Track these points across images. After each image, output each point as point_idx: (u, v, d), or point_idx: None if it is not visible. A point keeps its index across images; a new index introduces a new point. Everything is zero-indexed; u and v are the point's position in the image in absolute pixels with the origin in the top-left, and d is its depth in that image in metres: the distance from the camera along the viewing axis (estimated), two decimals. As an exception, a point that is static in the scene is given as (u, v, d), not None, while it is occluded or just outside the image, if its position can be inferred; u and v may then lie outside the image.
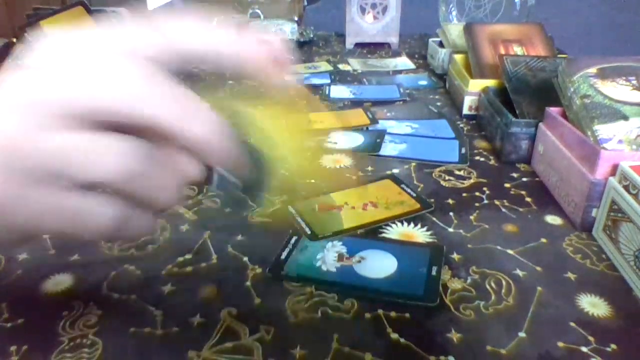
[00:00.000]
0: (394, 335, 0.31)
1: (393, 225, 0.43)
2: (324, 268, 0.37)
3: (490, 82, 0.65)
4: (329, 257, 0.38)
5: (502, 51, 0.71)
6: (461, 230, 0.42)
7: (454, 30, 0.89)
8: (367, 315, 0.33)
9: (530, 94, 0.58)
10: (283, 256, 0.38)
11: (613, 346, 0.30)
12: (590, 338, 0.31)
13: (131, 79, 0.22)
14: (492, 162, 0.55)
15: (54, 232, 0.21)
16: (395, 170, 0.53)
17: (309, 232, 0.41)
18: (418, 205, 0.45)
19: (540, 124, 0.51)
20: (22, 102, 0.20)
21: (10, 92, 0.20)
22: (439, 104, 0.74)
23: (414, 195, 0.46)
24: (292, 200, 0.47)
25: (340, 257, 0.38)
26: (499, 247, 0.40)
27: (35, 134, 0.20)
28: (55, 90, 0.20)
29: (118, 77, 0.21)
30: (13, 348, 0.30)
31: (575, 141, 0.44)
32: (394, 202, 0.44)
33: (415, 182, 0.50)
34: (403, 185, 0.48)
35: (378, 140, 0.59)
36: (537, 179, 0.51)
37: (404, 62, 0.99)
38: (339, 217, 0.43)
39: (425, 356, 0.30)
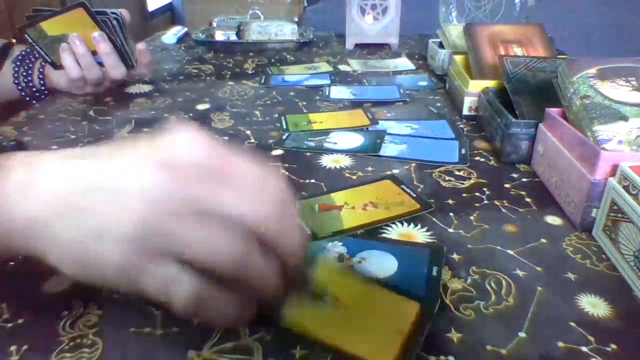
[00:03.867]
0: (394, 336, 0.31)
1: (393, 226, 0.43)
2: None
3: (490, 83, 0.65)
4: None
5: (502, 52, 0.71)
6: (461, 231, 0.42)
7: (454, 31, 0.89)
8: (367, 315, 0.33)
9: (530, 94, 0.58)
10: (283, 256, 0.38)
11: (613, 346, 0.30)
12: (590, 338, 0.31)
13: (267, 199, 0.26)
14: (492, 162, 0.55)
15: (151, 297, 0.26)
16: (395, 171, 0.53)
17: (308, 233, 0.41)
18: (418, 206, 0.45)
19: (540, 125, 0.51)
20: (170, 190, 0.25)
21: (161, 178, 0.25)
22: (439, 104, 0.75)
23: (414, 195, 0.46)
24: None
25: (340, 257, 0.38)
26: (499, 247, 0.40)
27: (169, 219, 0.25)
28: (200, 190, 0.25)
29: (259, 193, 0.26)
30: (13, 348, 0.30)
31: (575, 142, 0.44)
32: (394, 202, 0.44)
33: (415, 182, 0.50)
34: (403, 186, 0.48)
35: (378, 141, 0.59)
36: (537, 179, 0.51)
37: (404, 62, 0.99)
38: (339, 217, 0.43)
39: (425, 356, 0.30)
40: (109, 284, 0.27)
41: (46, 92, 0.78)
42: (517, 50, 0.72)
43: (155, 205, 0.25)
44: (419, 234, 0.42)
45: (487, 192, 0.49)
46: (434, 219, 0.44)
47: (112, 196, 0.26)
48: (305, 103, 0.75)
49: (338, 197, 0.46)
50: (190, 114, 0.70)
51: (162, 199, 0.25)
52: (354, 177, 0.51)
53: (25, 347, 0.30)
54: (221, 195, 0.25)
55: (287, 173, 0.52)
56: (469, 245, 0.40)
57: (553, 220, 0.44)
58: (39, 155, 0.29)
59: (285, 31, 1.13)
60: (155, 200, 0.25)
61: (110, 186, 0.26)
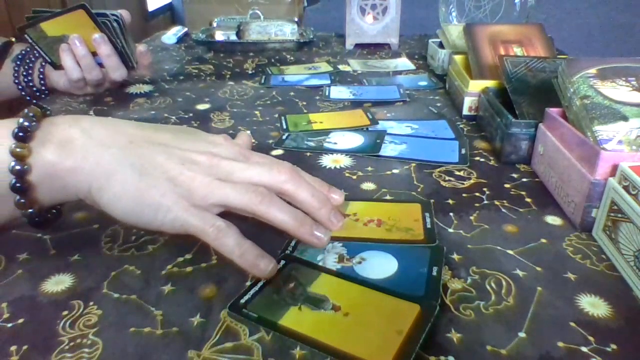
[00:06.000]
0: (394, 336, 0.31)
1: (393, 226, 0.42)
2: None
3: (490, 83, 0.65)
4: (329, 258, 0.38)
5: (502, 52, 0.71)
6: (461, 231, 0.42)
7: (454, 31, 0.89)
8: (367, 315, 0.33)
9: (530, 94, 0.58)
10: (283, 256, 0.38)
11: (613, 346, 0.30)
12: (590, 338, 0.31)
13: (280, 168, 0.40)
14: (492, 162, 0.55)
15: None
16: (395, 171, 0.53)
17: (292, 243, 0.41)
18: (422, 237, 0.41)
19: (540, 125, 0.51)
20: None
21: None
22: (439, 104, 0.75)
23: (429, 226, 0.42)
24: None
25: (340, 258, 0.38)
26: (499, 248, 0.40)
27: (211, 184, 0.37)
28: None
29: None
30: (13, 348, 0.30)
31: (575, 142, 0.44)
32: (402, 227, 0.42)
33: (415, 182, 0.50)
34: (427, 214, 0.44)
35: (378, 141, 0.59)
36: (537, 179, 0.51)
37: (404, 62, 0.99)
38: None
39: (425, 356, 0.30)
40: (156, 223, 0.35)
41: (46, 91, 0.78)
42: (517, 50, 0.72)
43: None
44: (419, 234, 0.41)
45: (487, 192, 0.49)
46: (434, 219, 0.44)
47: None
48: (305, 103, 0.75)
49: (352, 206, 0.45)
50: (190, 114, 0.70)
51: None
52: (354, 178, 0.51)
53: (25, 347, 0.30)
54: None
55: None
56: (469, 245, 0.40)
57: (553, 220, 0.44)
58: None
59: (285, 31, 1.13)
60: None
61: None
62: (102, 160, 0.35)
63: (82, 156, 0.35)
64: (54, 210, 0.39)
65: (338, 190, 0.44)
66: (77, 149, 0.35)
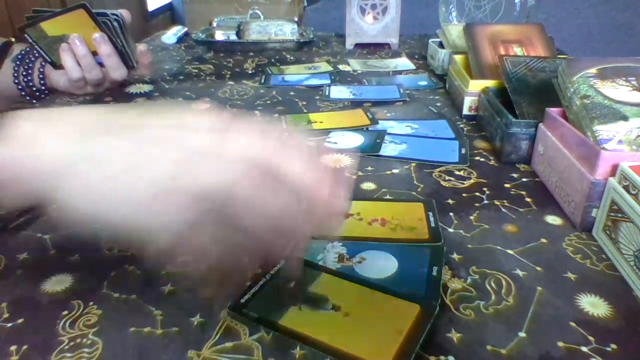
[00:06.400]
0: (394, 335, 0.31)
1: (393, 226, 0.42)
2: (324, 268, 0.37)
3: (490, 83, 0.65)
4: (329, 258, 0.38)
5: (502, 52, 0.71)
6: (461, 231, 0.42)
7: (454, 30, 0.89)
8: (367, 315, 0.33)
9: (530, 94, 0.58)
10: (283, 256, 0.38)
11: (613, 346, 0.30)
12: (590, 338, 0.31)
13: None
14: (492, 162, 0.55)
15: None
16: (395, 171, 0.53)
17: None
18: (427, 237, 0.41)
19: (540, 125, 0.51)
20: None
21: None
22: (439, 104, 0.74)
23: (432, 225, 0.42)
24: None
25: (340, 258, 0.38)
26: (499, 247, 0.40)
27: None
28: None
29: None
30: (13, 348, 0.30)
31: (575, 141, 0.44)
32: (406, 226, 0.42)
33: (415, 182, 0.50)
34: (430, 213, 0.44)
35: (378, 141, 0.59)
36: (537, 179, 0.51)
37: (404, 62, 0.99)
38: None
39: (425, 356, 0.30)
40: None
41: (46, 91, 0.78)
42: (517, 50, 0.72)
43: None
44: (419, 234, 0.41)
45: (487, 192, 0.49)
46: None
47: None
48: (305, 103, 0.75)
49: (354, 206, 0.45)
50: (190, 114, 0.70)
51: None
52: (354, 177, 0.51)
53: (25, 347, 0.30)
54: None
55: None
56: (469, 245, 0.40)
57: (553, 220, 0.44)
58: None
59: (285, 31, 1.13)
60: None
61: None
62: (56, 154, 0.31)
63: (33, 150, 0.31)
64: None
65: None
66: (28, 143, 0.31)
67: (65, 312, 0.33)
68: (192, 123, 0.32)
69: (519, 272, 0.37)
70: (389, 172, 0.53)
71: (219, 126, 0.32)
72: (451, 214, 0.45)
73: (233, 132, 0.31)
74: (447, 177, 0.52)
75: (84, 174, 0.30)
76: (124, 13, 0.75)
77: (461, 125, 0.65)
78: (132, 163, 0.31)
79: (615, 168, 0.39)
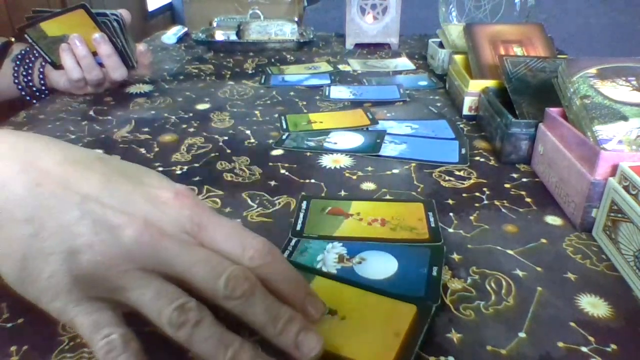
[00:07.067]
0: (394, 336, 0.31)
1: (393, 226, 0.42)
2: (324, 270, 0.37)
3: (490, 83, 0.65)
4: (329, 258, 0.38)
5: (502, 52, 0.71)
6: (461, 231, 0.42)
7: (454, 30, 0.89)
8: (367, 315, 0.33)
9: (530, 94, 0.58)
10: (283, 256, 0.38)
11: (613, 346, 0.30)
12: (590, 338, 0.31)
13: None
14: (492, 162, 0.55)
15: None
16: (395, 171, 0.53)
17: (298, 228, 0.41)
18: (427, 237, 0.41)
19: (540, 125, 0.51)
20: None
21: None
22: (439, 104, 0.74)
23: (433, 225, 0.42)
24: (309, 196, 0.47)
25: (340, 258, 0.38)
26: (499, 248, 0.40)
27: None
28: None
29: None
30: (13, 348, 0.30)
31: (575, 142, 0.44)
32: (406, 226, 0.42)
33: (415, 182, 0.50)
34: (430, 213, 0.44)
35: (378, 141, 0.59)
36: (537, 179, 0.51)
37: (404, 62, 0.99)
38: (339, 223, 0.43)
39: (425, 356, 0.30)
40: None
41: (46, 91, 0.78)
42: (517, 50, 0.72)
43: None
44: (419, 234, 0.41)
45: (487, 192, 0.49)
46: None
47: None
48: (305, 103, 0.75)
49: (354, 206, 0.45)
50: (190, 114, 0.70)
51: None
52: (354, 177, 0.51)
53: (25, 347, 0.30)
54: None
55: (287, 173, 0.52)
56: (469, 245, 0.40)
57: (553, 220, 0.44)
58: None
59: (285, 31, 1.13)
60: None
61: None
62: None
63: None
64: None
65: (319, 301, 0.31)
66: None
67: (65, 312, 0.33)
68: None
69: (519, 273, 0.37)
70: (389, 172, 0.53)
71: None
72: (451, 214, 0.45)
73: None
74: (447, 177, 0.52)
75: (9, 238, 0.26)
76: (124, 13, 0.75)
77: (461, 126, 0.65)
78: (71, 247, 0.26)
79: (615, 168, 0.39)
